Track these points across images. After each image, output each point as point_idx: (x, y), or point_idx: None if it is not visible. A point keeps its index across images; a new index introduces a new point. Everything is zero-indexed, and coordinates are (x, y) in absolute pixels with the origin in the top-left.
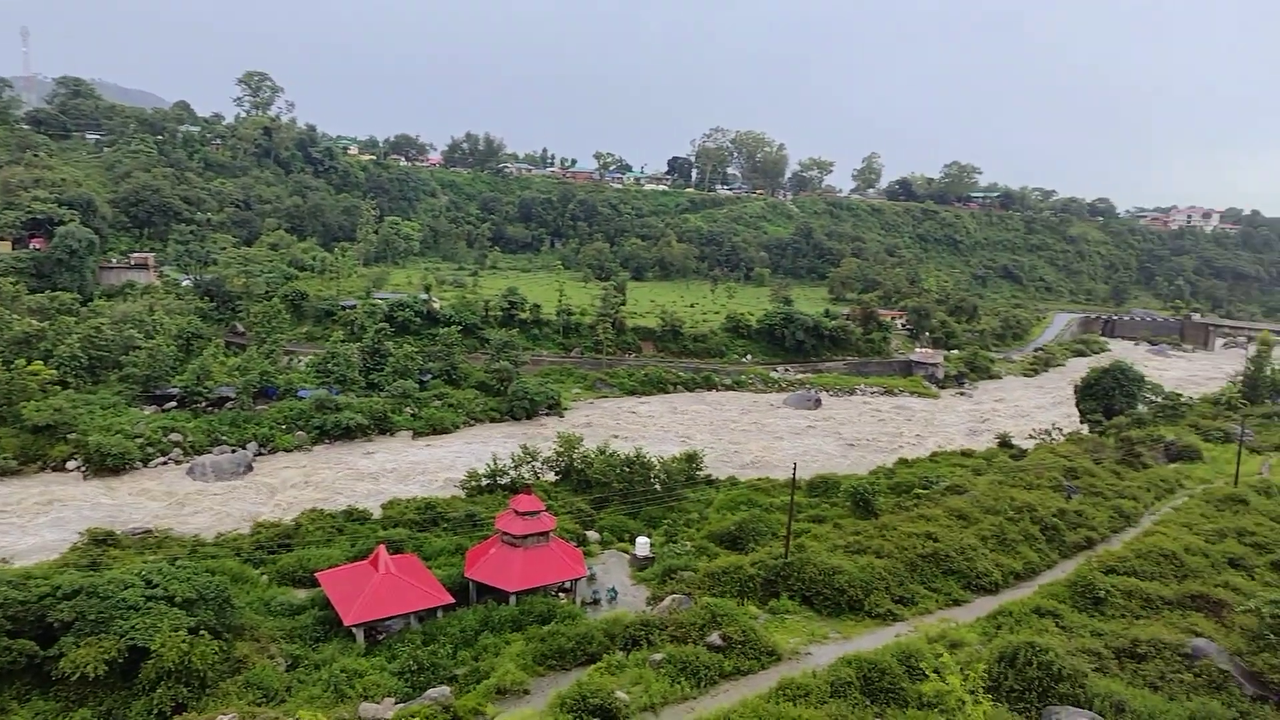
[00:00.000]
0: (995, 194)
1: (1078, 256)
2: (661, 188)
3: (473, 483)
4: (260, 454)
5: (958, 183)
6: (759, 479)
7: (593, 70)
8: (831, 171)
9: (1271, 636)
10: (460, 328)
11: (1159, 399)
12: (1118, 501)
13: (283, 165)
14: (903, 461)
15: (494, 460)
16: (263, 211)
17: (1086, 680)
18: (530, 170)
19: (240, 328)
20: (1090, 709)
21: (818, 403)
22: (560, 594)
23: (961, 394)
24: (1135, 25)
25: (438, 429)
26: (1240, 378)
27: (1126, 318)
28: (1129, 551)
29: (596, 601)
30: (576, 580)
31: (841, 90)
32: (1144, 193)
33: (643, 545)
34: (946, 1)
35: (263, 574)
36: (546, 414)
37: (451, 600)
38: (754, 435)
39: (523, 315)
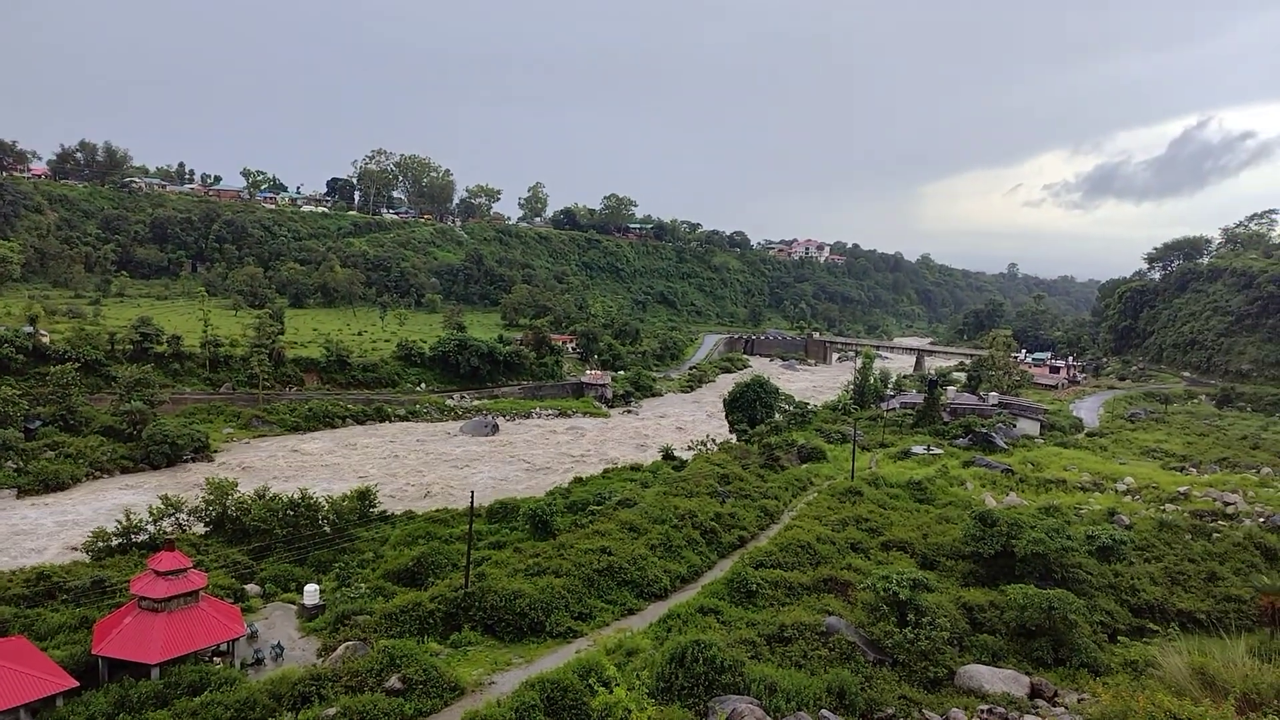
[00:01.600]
0: (650, 225)
1: (721, 283)
2: (322, 209)
3: (100, 544)
4: None
5: (617, 214)
6: (437, 510)
7: (242, 78)
8: (499, 199)
9: (884, 608)
10: (78, 365)
11: (791, 408)
12: (763, 502)
13: None
14: (578, 480)
15: (127, 515)
16: None
17: (744, 668)
18: (165, 186)
19: None
20: (749, 694)
21: (495, 428)
22: (215, 658)
23: (629, 412)
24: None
25: (51, 484)
26: (851, 386)
27: (763, 337)
28: (774, 546)
29: (260, 661)
30: (235, 640)
31: (507, 119)
32: (771, 226)
33: (311, 593)
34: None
35: None
36: (193, 459)
37: (74, 684)
38: (431, 465)
39: (159, 348)
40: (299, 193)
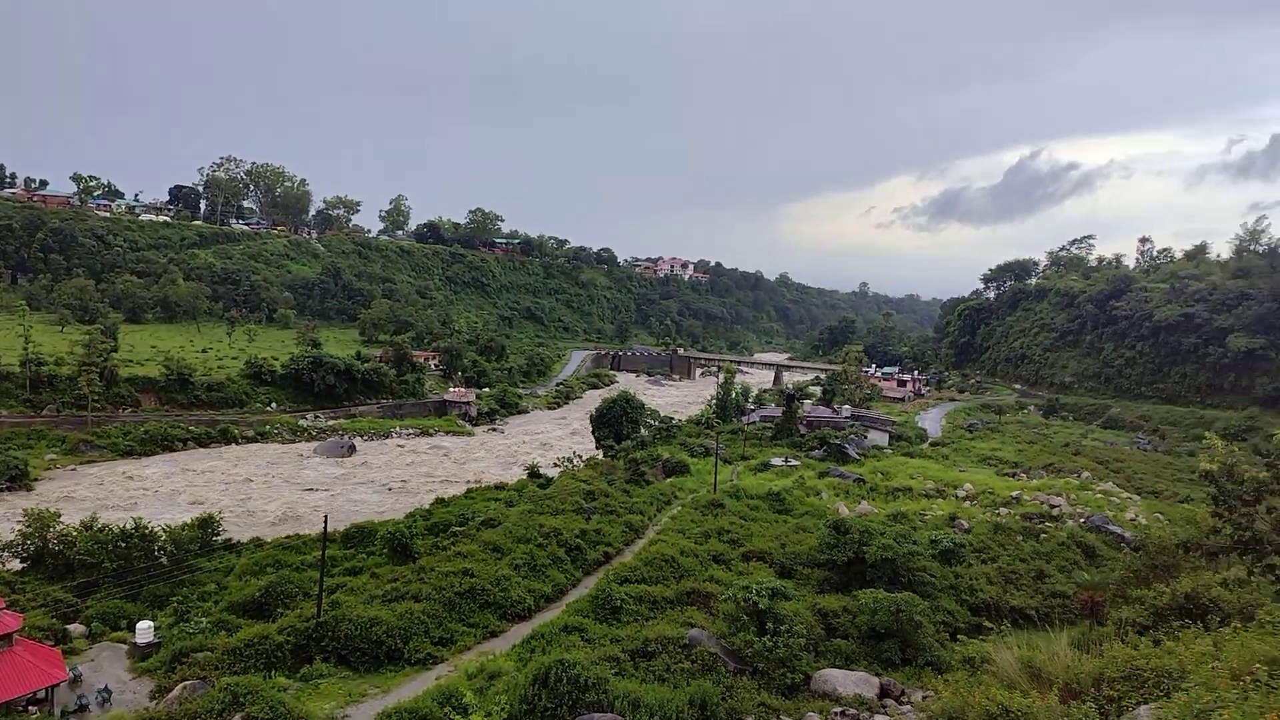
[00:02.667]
0: (517, 241)
1: (588, 299)
2: (163, 219)
3: None
4: None
5: (482, 228)
6: (288, 536)
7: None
8: (359, 211)
9: (744, 618)
10: None
11: (657, 423)
12: (628, 517)
13: None
14: (440, 501)
15: None
16: None
17: (609, 685)
18: None
19: None
20: (613, 711)
21: (352, 449)
22: (30, 708)
23: (494, 430)
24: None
25: None
26: (714, 401)
27: (629, 353)
28: (638, 561)
29: (83, 708)
30: (54, 686)
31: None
32: (638, 244)
33: (145, 630)
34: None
35: None
36: (9, 488)
37: None
38: (282, 490)
39: None
40: (138, 200)
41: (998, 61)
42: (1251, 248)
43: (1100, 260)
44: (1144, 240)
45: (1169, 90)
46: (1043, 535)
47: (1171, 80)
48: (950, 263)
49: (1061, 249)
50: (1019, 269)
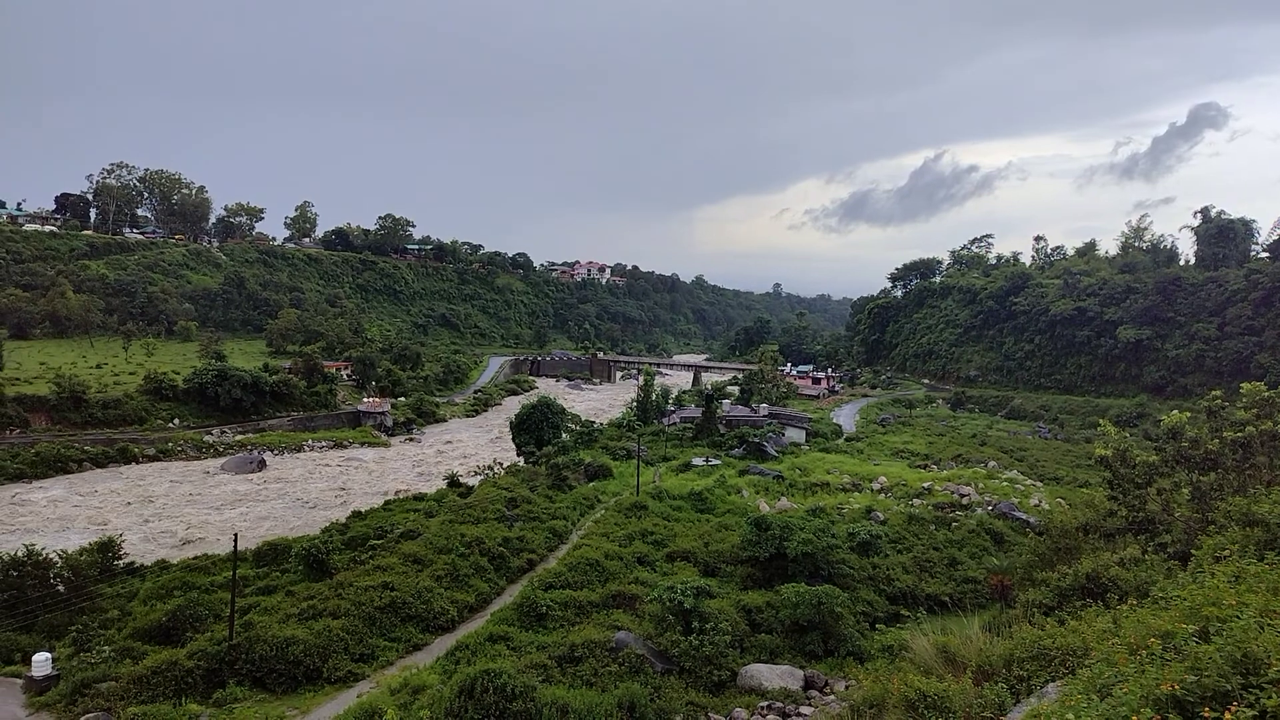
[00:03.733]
0: (429, 247)
1: (505, 305)
2: (49, 229)
3: None
4: None
5: (393, 235)
6: (196, 557)
7: None
8: (263, 219)
9: (670, 618)
10: None
11: (578, 427)
12: (552, 523)
13: None
14: (357, 514)
15: None
16: None
17: (536, 693)
18: None
19: None
20: (540, 718)
21: (262, 464)
22: None
23: (411, 440)
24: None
25: None
26: (634, 403)
27: (549, 358)
28: (563, 566)
29: None
30: None
31: (270, 134)
32: (553, 248)
33: (41, 663)
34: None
35: None
36: None
37: None
38: (188, 509)
39: None
40: (20, 209)
41: (898, 67)
42: (1136, 244)
43: (999, 258)
44: (1038, 238)
45: (1057, 95)
46: (954, 524)
47: (1059, 85)
48: (859, 263)
49: (963, 248)
50: (924, 268)
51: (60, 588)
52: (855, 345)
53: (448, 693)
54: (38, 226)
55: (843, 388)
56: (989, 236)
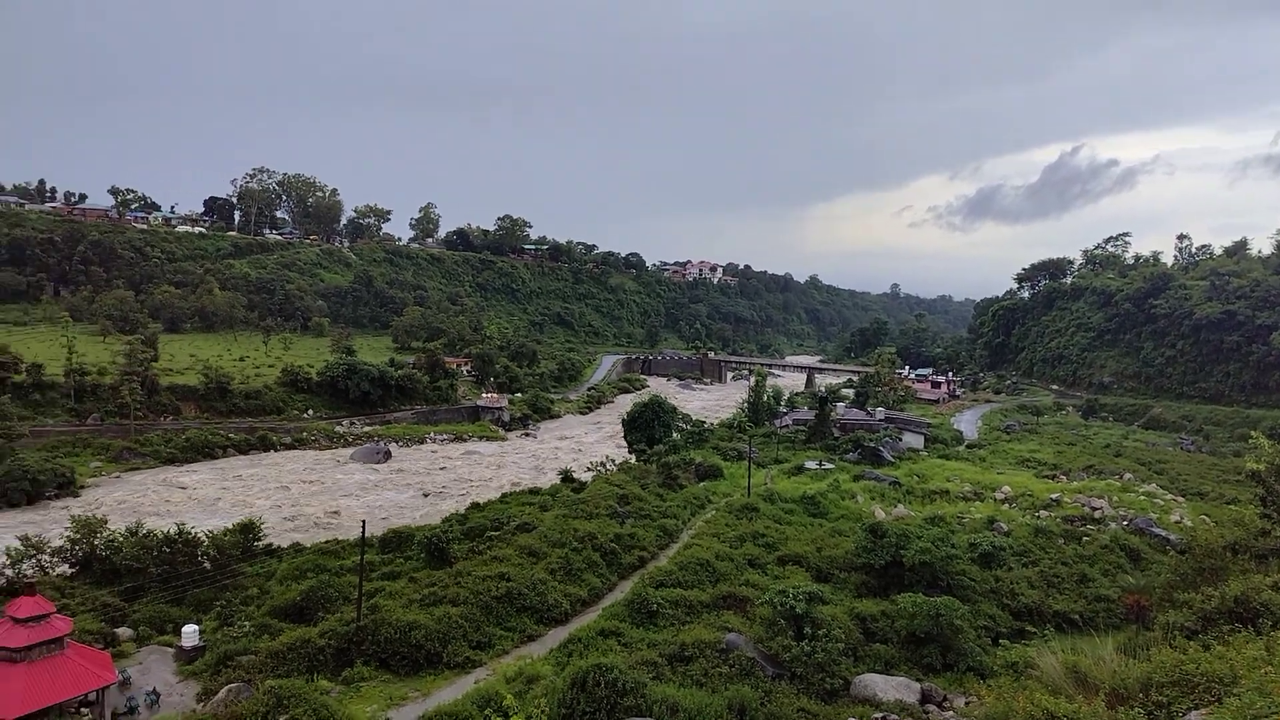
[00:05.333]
0: (545, 247)
1: (618, 304)
2: (199, 230)
3: None
4: None
5: (511, 235)
6: (327, 541)
7: (111, 91)
8: (389, 219)
9: (781, 623)
10: None
11: (689, 426)
12: (662, 521)
13: None
14: (475, 505)
15: None
16: None
17: (646, 689)
18: (23, 204)
19: None
20: (651, 715)
21: (387, 455)
22: (83, 709)
23: (527, 435)
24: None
25: None
26: (746, 404)
27: (660, 357)
28: (674, 565)
29: (133, 709)
30: (104, 689)
31: (397, 140)
32: (666, 248)
33: (190, 634)
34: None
35: None
36: (56, 495)
37: None
38: (320, 495)
39: (17, 378)
40: (173, 212)
41: (1021, 58)
42: None
43: (1137, 258)
44: (1182, 237)
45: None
46: (1085, 538)
47: (1204, 72)
48: (983, 262)
49: (1097, 247)
50: (1053, 268)
51: (207, 565)
52: (978, 348)
53: (561, 684)
54: (188, 228)
55: (964, 392)
56: (1126, 235)
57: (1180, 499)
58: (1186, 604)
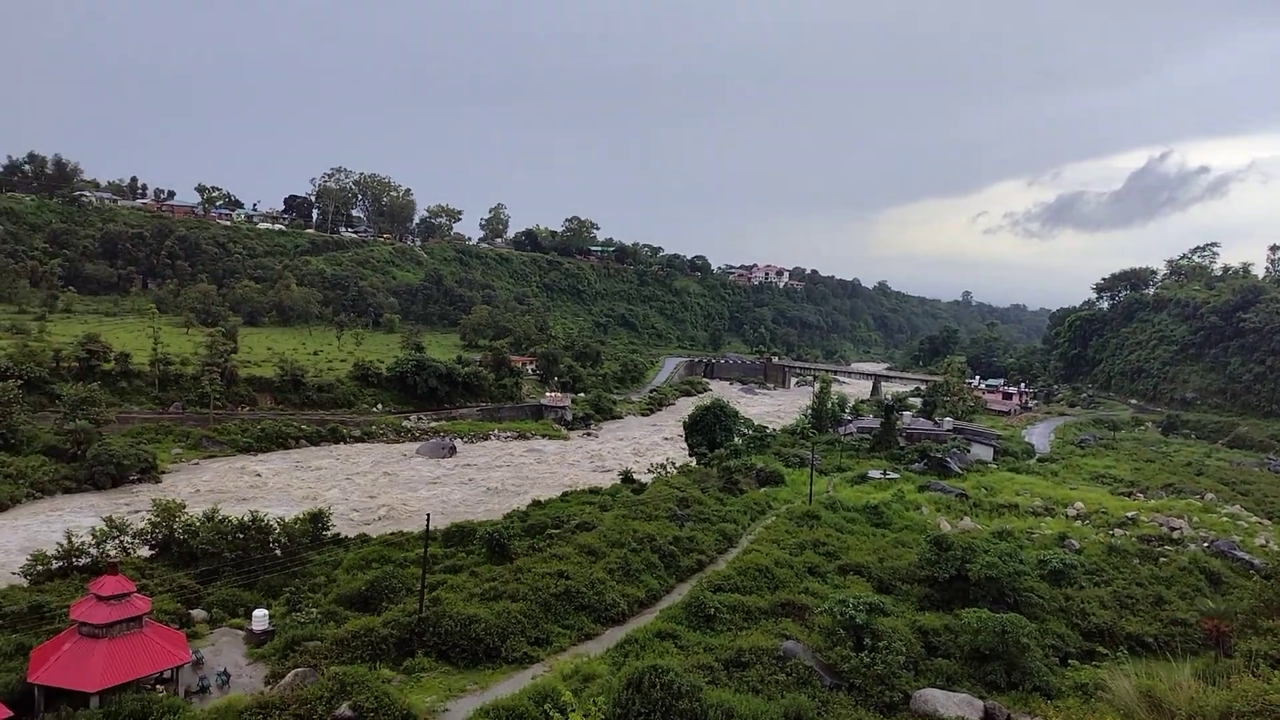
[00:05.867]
0: (612, 249)
1: (682, 307)
2: (278, 227)
3: (39, 566)
4: None
5: (578, 236)
6: (392, 533)
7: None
8: (460, 219)
9: (841, 632)
10: (21, 382)
11: (750, 431)
12: (721, 525)
13: None
14: (536, 503)
15: (68, 538)
16: None
17: (702, 693)
18: (116, 201)
19: None
20: (705, 719)
21: (453, 450)
22: (158, 686)
23: (589, 435)
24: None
25: None
26: (809, 411)
27: (723, 361)
28: (732, 570)
29: (205, 689)
30: (179, 667)
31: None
32: (731, 251)
33: (260, 618)
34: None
35: None
36: (139, 480)
37: (8, 714)
38: (387, 488)
39: (106, 366)
40: (255, 210)
41: (1108, 62)
42: None
43: (1226, 269)
44: (1275, 248)
45: None
46: (1162, 559)
47: None
48: (1058, 271)
49: (1182, 257)
50: (1135, 278)
51: (278, 552)
52: (1052, 359)
53: (617, 684)
54: (269, 225)
55: (1036, 404)
56: (1214, 245)
57: (1266, 522)
58: (1272, 631)
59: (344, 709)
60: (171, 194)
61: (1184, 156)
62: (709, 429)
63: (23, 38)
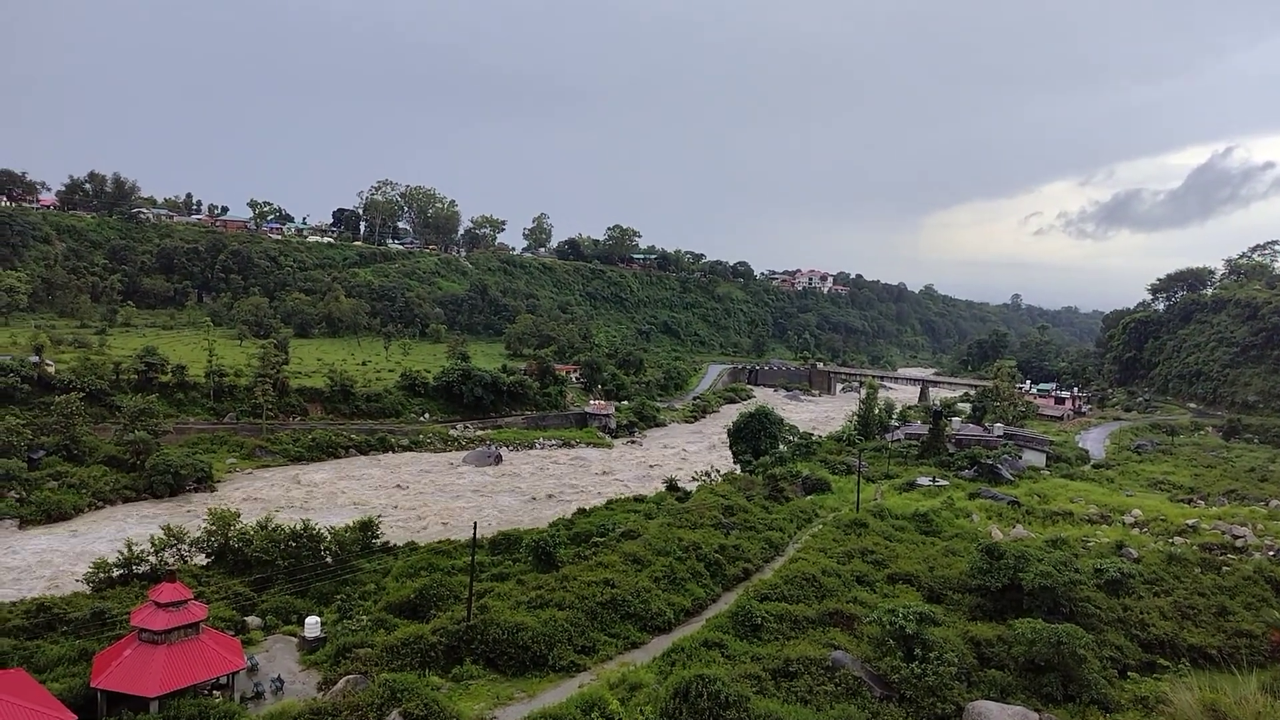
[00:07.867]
0: (654, 256)
1: (725, 313)
2: (327, 240)
3: (101, 574)
4: None
5: (620, 244)
6: (440, 542)
7: (251, 110)
8: (504, 230)
9: (890, 642)
10: (83, 394)
11: (795, 438)
12: (767, 533)
13: None
14: (581, 511)
15: (128, 546)
16: None
17: (749, 703)
18: (172, 217)
19: None
20: None
21: (498, 459)
22: (215, 692)
23: (633, 442)
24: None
25: (54, 514)
26: (855, 417)
27: (767, 367)
28: (779, 579)
29: (260, 694)
30: (235, 673)
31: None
32: (774, 257)
33: (313, 625)
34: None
35: None
36: (195, 489)
37: (73, 718)
38: (434, 496)
39: (164, 378)
40: (305, 223)
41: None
42: None
43: None
44: None
45: None
46: (1225, 568)
47: None
48: (1110, 273)
49: (1242, 256)
50: (1192, 278)
51: (329, 560)
52: (1106, 363)
53: (663, 693)
54: (318, 238)
55: (1090, 409)
56: (1275, 243)
57: None
58: None
59: (394, 715)
60: (225, 209)
61: (1248, 152)
62: (753, 436)
63: (84, 63)
